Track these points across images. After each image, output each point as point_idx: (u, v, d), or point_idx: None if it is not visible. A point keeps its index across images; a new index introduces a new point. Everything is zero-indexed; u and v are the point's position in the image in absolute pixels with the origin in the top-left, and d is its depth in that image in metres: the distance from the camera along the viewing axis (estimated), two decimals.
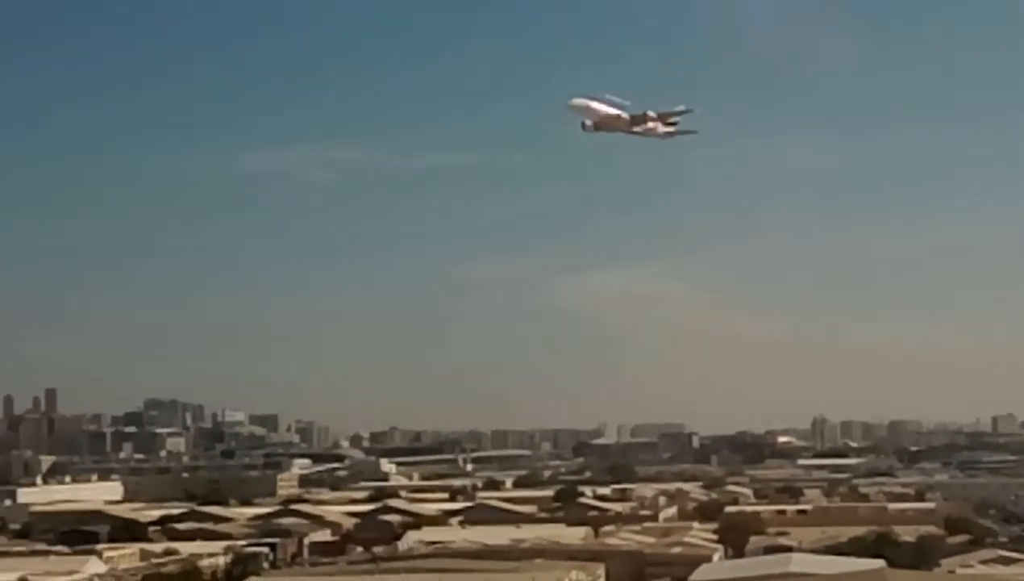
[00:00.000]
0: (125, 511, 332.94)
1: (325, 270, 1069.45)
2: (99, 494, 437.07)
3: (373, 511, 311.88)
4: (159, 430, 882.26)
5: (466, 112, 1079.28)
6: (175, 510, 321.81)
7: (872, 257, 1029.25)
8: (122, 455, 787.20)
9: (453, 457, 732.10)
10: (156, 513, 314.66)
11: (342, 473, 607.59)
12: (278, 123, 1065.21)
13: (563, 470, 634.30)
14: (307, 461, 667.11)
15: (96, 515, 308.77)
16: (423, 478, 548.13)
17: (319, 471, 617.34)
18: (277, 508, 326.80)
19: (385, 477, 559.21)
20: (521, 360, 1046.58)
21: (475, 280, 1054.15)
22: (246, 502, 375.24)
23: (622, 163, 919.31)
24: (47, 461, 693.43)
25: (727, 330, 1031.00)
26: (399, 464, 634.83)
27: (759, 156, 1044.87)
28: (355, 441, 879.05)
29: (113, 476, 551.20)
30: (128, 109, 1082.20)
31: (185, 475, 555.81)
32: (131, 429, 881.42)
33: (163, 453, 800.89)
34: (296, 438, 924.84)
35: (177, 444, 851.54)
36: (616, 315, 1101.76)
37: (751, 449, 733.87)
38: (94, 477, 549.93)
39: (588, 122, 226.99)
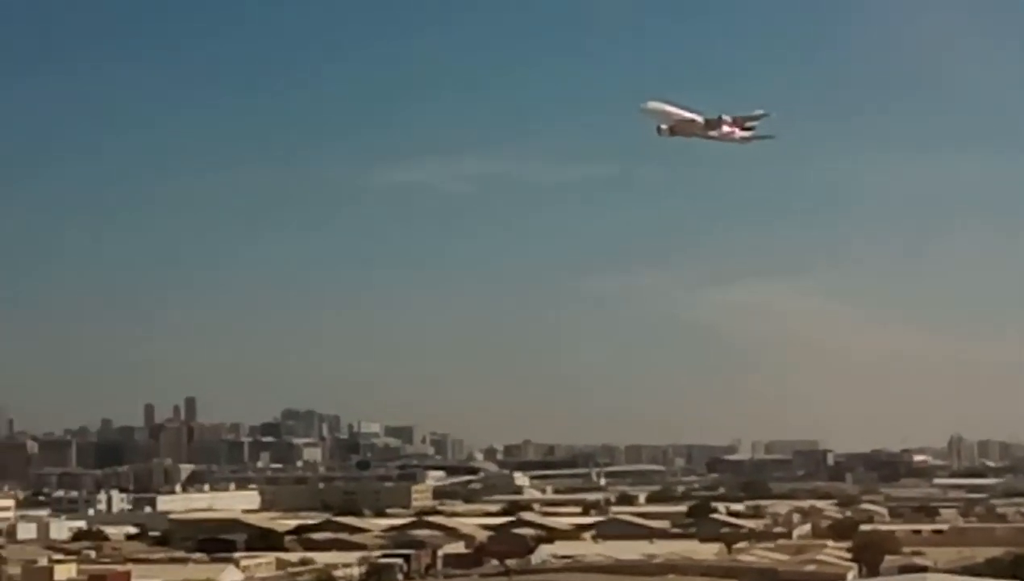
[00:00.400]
0: (262, 520, 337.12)
1: (459, 281, 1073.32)
2: (237, 503, 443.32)
3: (506, 524, 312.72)
4: (296, 440, 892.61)
5: (603, 122, 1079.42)
6: (311, 520, 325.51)
7: (1009, 273, 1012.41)
8: (259, 464, 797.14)
9: (587, 471, 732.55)
10: (292, 523, 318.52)
11: (476, 485, 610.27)
12: (413, 134, 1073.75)
13: (696, 485, 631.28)
14: (441, 473, 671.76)
15: (234, 524, 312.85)
16: (556, 492, 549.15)
17: (453, 483, 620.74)
18: (411, 520, 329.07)
19: (519, 490, 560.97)
20: (655, 374, 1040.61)
21: (610, 292, 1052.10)
22: (381, 513, 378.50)
23: (755, 175, 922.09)
24: (186, 469, 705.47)
25: (863, 346, 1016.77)
26: (533, 477, 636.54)
27: (898, 170, 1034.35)
28: (489, 454, 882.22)
29: (251, 485, 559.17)
30: (258, 117, 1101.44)
31: (321, 485, 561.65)
32: (269, 439, 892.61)
33: (300, 463, 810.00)
34: (431, 450, 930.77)
35: (313, 454, 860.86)
36: (751, 329, 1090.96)
37: (887, 467, 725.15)
38: (232, 486, 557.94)
39: (664, 126, 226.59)
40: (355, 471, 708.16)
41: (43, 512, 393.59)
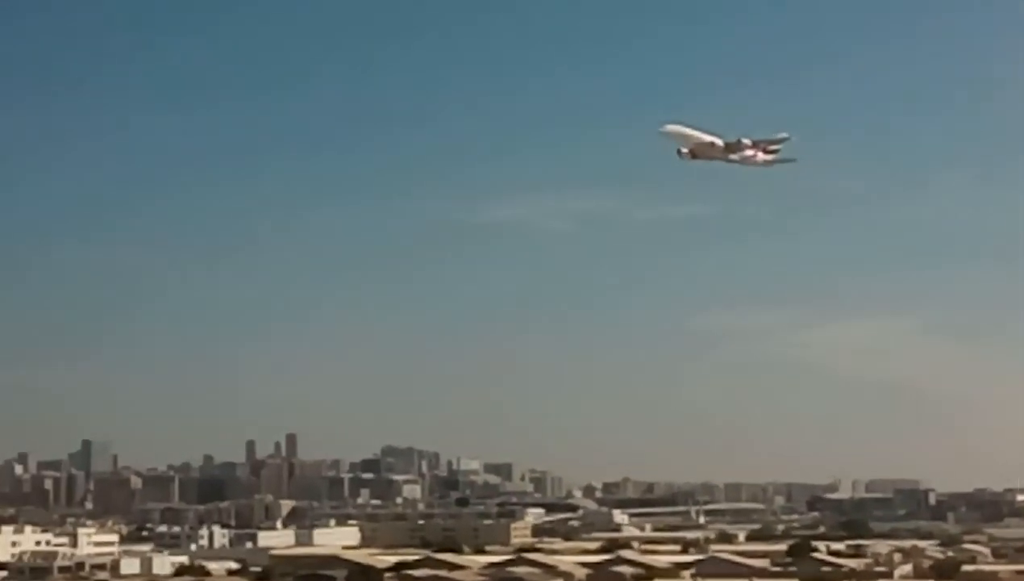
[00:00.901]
0: (362, 556, 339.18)
1: (558, 320, 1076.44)
2: (337, 539, 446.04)
3: (605, 561, 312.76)
4: (395, 477, 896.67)
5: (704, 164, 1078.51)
6: (410, 556, 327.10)
7: None
8: (359, 501, 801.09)
9: (686, 509, 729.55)
10: (392, 559, 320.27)
11: (575, 523, 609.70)
12: (517, 172, 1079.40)
13: (796, 524, 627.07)
14: (540, 510, 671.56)
15: (334, 560, 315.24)
16: (655, 529, 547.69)
17: (552, 520, 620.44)
18: (511, 557, 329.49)
19: (618, 528, 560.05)
20: (754, 412, 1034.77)
21: (711, 331, 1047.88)
22: (480, 550, 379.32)
23: (854, 215, 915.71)
24: (287, 505, 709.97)
25: (966, 384, 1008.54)
26: (632, 515, 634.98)
27: (997, 205, 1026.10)
28: (588, 491, 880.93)
29: (350, 521, 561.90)
30: (363, 157, 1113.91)
31: (420, 522, 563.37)
32: (368, 475, 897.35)
33: (399, 500, 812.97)
34: (530, 487, 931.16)
35: (413, 491, 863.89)
36: (852, 368, 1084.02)
37: (989, 507, 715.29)
38: (332, 522, 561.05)
39: (684, 150, 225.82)
40: (454, 508, 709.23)
41: (146, 547, 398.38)
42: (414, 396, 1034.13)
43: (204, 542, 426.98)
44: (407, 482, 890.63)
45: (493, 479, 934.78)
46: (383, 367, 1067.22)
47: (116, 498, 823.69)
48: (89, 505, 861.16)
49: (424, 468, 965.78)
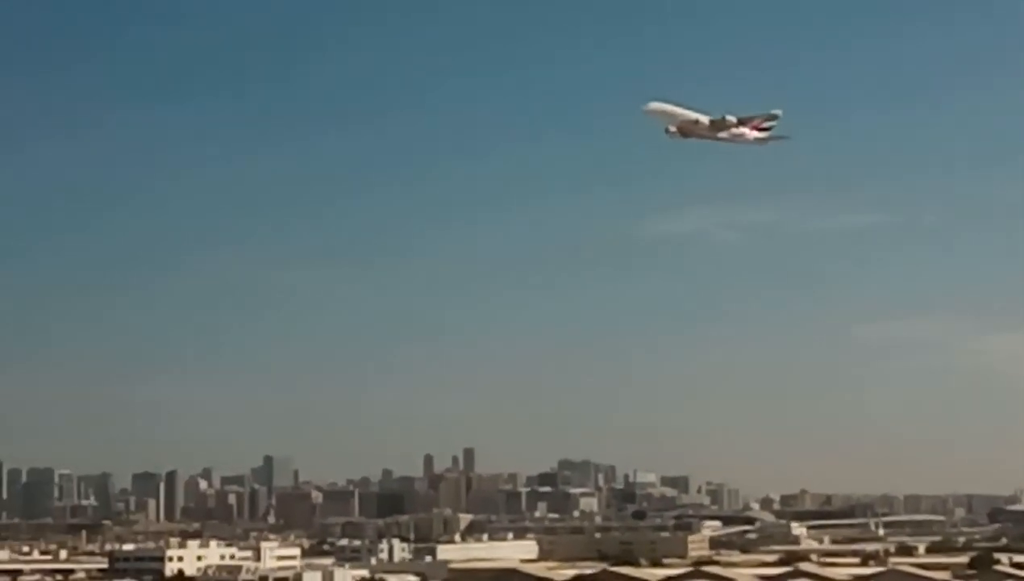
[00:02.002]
0: (540, 570, 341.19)
1: (730, 331, 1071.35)
2: (515, 552, 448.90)
3: (784, 574, 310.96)
4: (572, 490, 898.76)
5: (886, 173, 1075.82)
6: (588, 569, 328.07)
7: None
8: (537, 514, 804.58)
9: (864, 521, 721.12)
10: (570, 572, 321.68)
11: (752, 536, 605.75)
12: (683, 184, 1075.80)
13: (978, 536, 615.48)
14: (717, 523, 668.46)
15: (512, 573, 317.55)
16: (834, 542, 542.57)
17: (729, 533, 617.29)
18: (688, 570, 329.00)
19: (796, 540, 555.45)
20: (933, 422, 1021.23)
21: (886, 341, 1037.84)
22: (657, 563, 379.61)
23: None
24: (465, 519, 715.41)
25: None
26: (810, 527, 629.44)
27: None
28: (765, 503, 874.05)
29: (528, 535, 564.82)
30: (526, 169, 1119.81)
31: (597, 535, 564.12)
32: (545, 489, 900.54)
33: (576, 513, 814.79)
34: (706, 499, 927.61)
35: (590, 504, 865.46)
36: None
37: None
38: (510, 535, 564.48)
39: (671, 128, 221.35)
40: (631, 521, 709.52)
41: (328, 561, 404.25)
42: (590, 409, 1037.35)
43: (384, 556, 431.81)
44: (584, 495, 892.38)
45: (670, 492, 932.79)
46: (557, 380, 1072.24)
47: (298, 512, 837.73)
48: (271, 519, 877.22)
49: (601, 481, 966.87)
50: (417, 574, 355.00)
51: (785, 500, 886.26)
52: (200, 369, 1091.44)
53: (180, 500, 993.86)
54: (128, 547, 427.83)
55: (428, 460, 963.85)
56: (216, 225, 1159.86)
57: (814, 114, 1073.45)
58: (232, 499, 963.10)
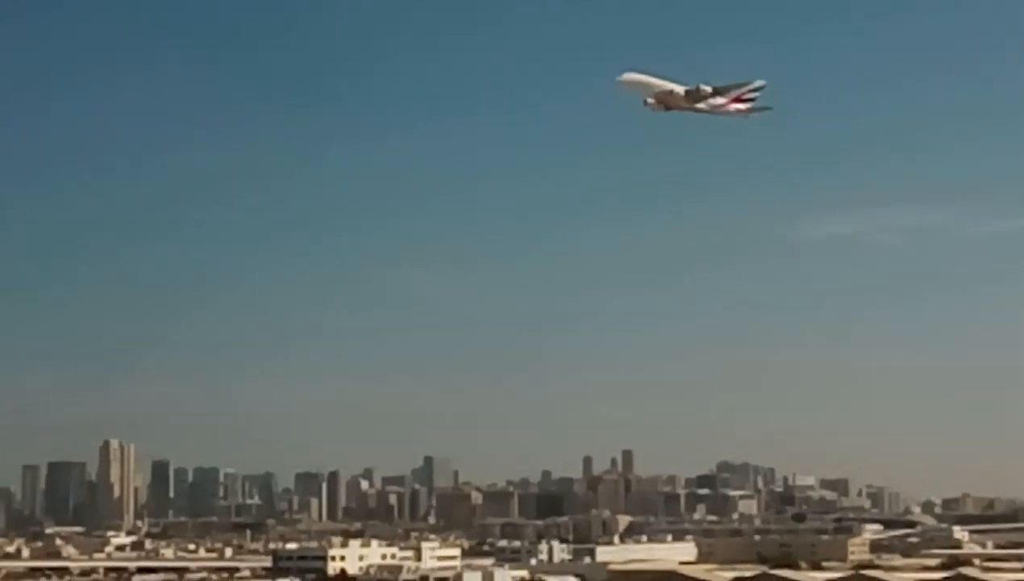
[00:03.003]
0: (699, 572, 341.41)
1: (884, 333, 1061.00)
2: (674, 554, 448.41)
3: (946, 579, 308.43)
4: (731, 492, 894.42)
5: None
6: (747, 572, 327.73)
7: None
8: (695, 516, 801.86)
9: None
10: (728, 575, 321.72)
11: (914, 539, 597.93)
12: (842, 187, 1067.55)
13: None
14: (878, 526, 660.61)
15: (671, 575, 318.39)
16: (997, 547, 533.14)
17: (891, 537, 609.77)
18: (849, 573, 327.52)
19: (958, 544, 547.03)
20: None
21: None
22: (817, 566, 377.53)
23: None
24: (624, 520, 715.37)
25: None
26: (972, 532, 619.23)
27: None
28: (927, 507, 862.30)
29: (687, 537, 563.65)
30: (674, 169, 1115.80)
31: (756, 538, 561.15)
32: (704, 491, 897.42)
33: (735, 515, 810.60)
34: (867, 503, 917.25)
35: (749, 507, 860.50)
36: None
37: None
38: (668, 537, 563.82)
39: (650, 100, 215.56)
40: (791, 523, 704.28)
41: (487, 561, 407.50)
42: (749, 411, 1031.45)
43: (543, 556, 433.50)
44: (743, 497, 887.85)
45: (829, 495, 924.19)
46: (716, 382, 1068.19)
47: (458, 513, 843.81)
48: (432, 520, 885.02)
49: (760, 483, 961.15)
50: (576, 575, 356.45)
51: (947, 504, 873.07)
52: (361, 370, 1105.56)
53: (342, 500, 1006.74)
54: (291, 546, 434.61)
55: (587, 462, 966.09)
56: (353, 223, 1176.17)
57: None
58: (393, 499, 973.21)
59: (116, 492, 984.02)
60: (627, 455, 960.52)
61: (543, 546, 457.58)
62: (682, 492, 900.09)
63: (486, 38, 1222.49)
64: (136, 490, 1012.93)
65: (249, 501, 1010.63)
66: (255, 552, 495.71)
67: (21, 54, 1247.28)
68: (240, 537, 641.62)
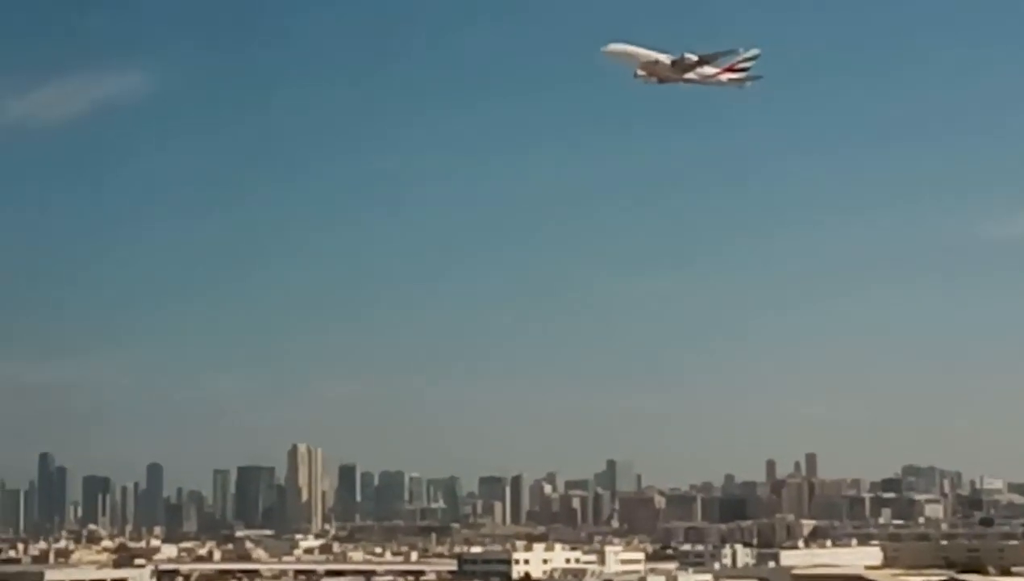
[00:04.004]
0: (885, 576, 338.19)
1: None
2: (859, 559, 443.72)
3: None
4: (917, 496, 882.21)
5: None
6: (934, 577, 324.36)
7: None
8: (881, 520, 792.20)
9: None
10: (915, 580, 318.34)
11: None
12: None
13: None
14: None
15: (856, 580, 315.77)
16: None
17: None
18: None
19: None
20: None
21: None
22: (1006, 571, 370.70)
23: None
24: (808, 525, 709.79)
25: None
26: None
27: None
28: None
29: (872, 541, 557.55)
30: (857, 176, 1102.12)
31: (943, 542, 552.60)
32: (889, 495, 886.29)
33: (921, 520, 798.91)
34: None
35: (935, 511, 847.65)
36: None
37: None
38: (853, 542, 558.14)
39: (640, 72, 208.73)
40: (978, 528, 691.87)
41: (671, 565, 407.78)
42: (935, 414, 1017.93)
43: (727, 561, 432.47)
44: (929, 501, 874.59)
45: (1018, 498, 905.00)
46: (900, 386, 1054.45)
47: (641, 517, 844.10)
48: (615, 523, 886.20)
49: (946, 487, 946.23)
50: (760, 580, 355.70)
51: None
52: (544, 374, 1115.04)
53: (525, 504, 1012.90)
54: (476, 549, 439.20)
55: (770, 465, 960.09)
56: (536, 227, 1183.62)
57: None
58: (576, 503, 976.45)
59: (304, 496, 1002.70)
60: (811, 458, 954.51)
61: (726, 550, 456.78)
62: (867, 496, 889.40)
63: None
64: (323, 494, 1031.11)
65: (434, 505, 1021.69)
66: (440, 555, 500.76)
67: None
68: (425, 540, 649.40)
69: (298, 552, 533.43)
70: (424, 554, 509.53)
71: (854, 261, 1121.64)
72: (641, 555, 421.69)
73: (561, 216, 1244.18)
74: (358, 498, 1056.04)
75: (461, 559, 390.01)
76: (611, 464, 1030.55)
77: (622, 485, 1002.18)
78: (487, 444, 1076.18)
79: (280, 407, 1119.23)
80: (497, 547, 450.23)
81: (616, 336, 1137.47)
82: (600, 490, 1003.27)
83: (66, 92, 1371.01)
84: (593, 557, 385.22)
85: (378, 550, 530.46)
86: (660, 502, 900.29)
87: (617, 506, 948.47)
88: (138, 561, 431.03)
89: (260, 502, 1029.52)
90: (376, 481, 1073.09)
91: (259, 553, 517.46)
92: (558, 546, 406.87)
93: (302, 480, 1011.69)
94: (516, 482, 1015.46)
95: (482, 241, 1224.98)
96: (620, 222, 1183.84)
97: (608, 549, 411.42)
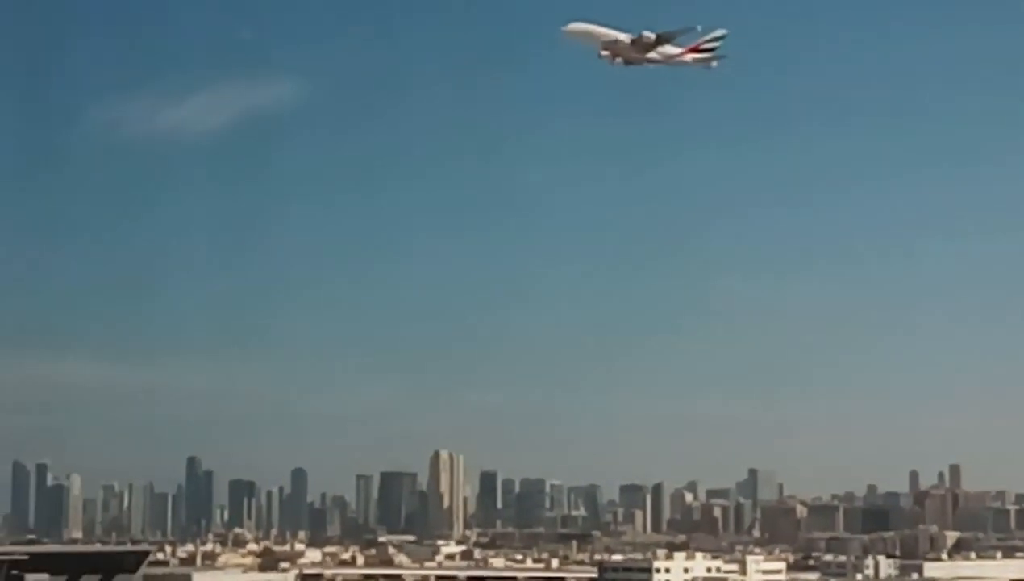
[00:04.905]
0: None
1: None
2: (1004, 572, 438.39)
3: None
4: None
5: None
6: None
7: None
8: None
9: None
10: None
11: None
12: None
13: None
14: None
15: None
16: None
17: None
18: None
19: None
20: None
21: None
22: None
23: None
24: (951, 536, 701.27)
25: None
26: None
27: None
28: None
29: (1017, 554, 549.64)
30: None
31: None
32: None
33: None
34: None
35: None
36: None
37: None
38: (998, 555, 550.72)
39: (604, 52, 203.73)
40: None
41: (812, 576, 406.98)
42: None
43: (869, 572, 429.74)
44: None
45: None
46: None
47: (782, 526, 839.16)
48: (756, 533, 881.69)
49: None
50: None
51: None
52: (684, 382, 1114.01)
53: (666, 512, 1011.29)
54: (616, 557, 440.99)
55: (913, 476, 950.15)
56: (678, 234, 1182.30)
57: None
58: (717, 512, 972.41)
59: (446, 502, 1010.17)
60: (955, 469, 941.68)
61: (869, 561, 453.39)
62: (1012, 508, 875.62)
63: None
64: (465, 500, 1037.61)
65: (575, 512, 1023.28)
66: (580, 563, 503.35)
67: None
68: (566, 548, 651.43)
69: (439, 558, 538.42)
70: (564, 561, 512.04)
71: (1000, 275, 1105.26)
72: (782, 565, 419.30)
73: (703, 224, 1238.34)
74: (499, 505, 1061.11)
75: (602, 567, 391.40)
76: (752, 473, 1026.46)
77: (763, 494, 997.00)
78: (628, 452, 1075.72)
79: (423, 414, 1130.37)
80: (638, 555, 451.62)
81: (758, 343, 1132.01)
82: (741, 499, 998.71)
83: (218, 100, 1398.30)
84: (734, 566, 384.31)
85: (519, 557, 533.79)
86: (802, 512, 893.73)
87: (758, 515, 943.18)
88: (283, 565, 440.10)
89: (402, 508, 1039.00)
90: (517, 488, 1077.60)
91: (401, 558, 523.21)
92: (699, 555, 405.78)
93: (444, 486, 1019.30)
94: (657, 490, 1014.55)
95: (629, 250, 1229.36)
96: (762, 228, 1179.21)
97: (749, 558, 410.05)
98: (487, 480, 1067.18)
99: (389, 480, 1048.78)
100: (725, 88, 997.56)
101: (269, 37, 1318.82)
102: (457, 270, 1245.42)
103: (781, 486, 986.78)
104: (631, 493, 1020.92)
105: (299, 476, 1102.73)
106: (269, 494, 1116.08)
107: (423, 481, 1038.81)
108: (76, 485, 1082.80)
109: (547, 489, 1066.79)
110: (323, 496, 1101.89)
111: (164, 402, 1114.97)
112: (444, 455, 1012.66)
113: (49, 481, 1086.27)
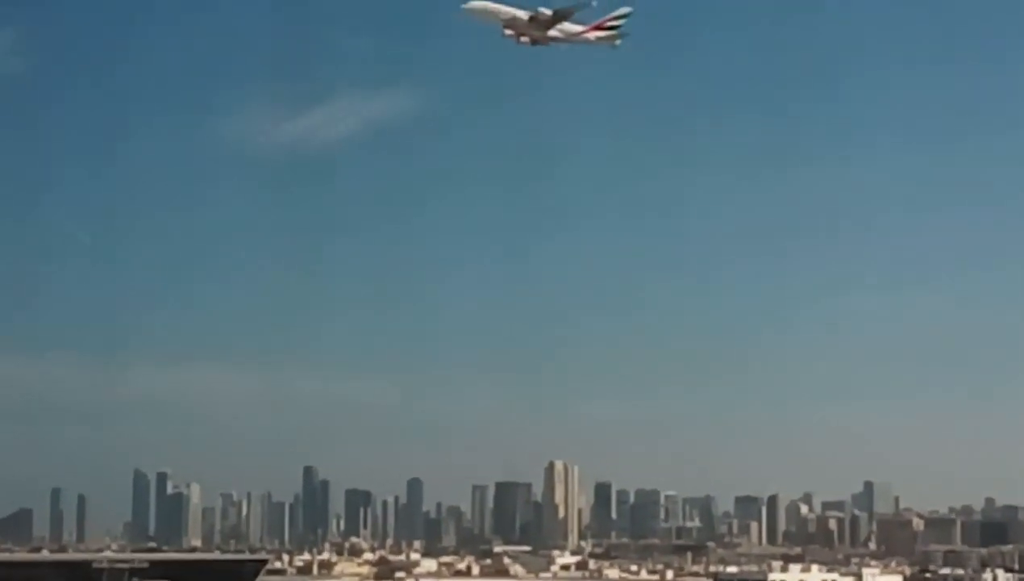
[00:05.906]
0: None
1: None
2: None
3: None
4: None
5: None
6: None
7: None
8: None
9: None
10: None
11: None
12: None
13: None
14: None
15: None
16: None
17: None
18: None
19: None
20: None
21: None
22: None
23: None
24: None
25: None
26: None
27: None
28: None
29: None
30: None
31: None
32: None
33: None
34: None
35: None
36: None
37: None
38: None
39: (507, 31, 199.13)
40: None
41: None
42: None
43: None
44: None
45: None
46: None
47: (898, 539, 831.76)
48: (872, 545, 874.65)
49: None
50: None
51: None
52: (799, 393, 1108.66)
53: (781, 524, 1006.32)
54: (731, 569, 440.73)
55: None
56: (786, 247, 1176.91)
57: None
58: (832, 524, 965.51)
59: (560, 512, 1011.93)
60: None
61: (987, 575, 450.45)
62: None
63: None
64: (580, 511, 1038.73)
65: (689, 524, 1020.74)
66: (695, 574, 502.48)
67: None
68: (681, 559, 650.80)
69: (554, 568, 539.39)
70: (679, 572, 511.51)
71: None
72: (899, 578, 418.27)
73: (815, 237, 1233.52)
74: (613, 516, 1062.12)
75: (717, 578, 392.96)
76: (868, 485, 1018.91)
77: (879, 506, 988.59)
78: (743, 463, 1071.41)
79: (538, 425, 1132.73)
80: (753, 567, 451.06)
81: (874, 354, 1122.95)
82: (857, 511, 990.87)
83: (337, 113, 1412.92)
84: (850, 579, 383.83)
85: (633, 568, 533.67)
86: (918, 524, 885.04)
87: (874, 528, 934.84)
88: (398, 574, 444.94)
89: (517, 518, 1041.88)
90: (632, 499, 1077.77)
91: (516, 569, 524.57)
92: (815, 567, 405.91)
93: (559, 497, 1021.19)
94: (772, 502, 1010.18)
95: (755, 250, 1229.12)
96: (882, 242, 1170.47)
97: (865, 571, 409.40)
98: (602, 491, 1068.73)
99: (504, 490, 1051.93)
100: None
101: (384, 47, 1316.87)
102: (573, 276, 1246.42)
103: (897, 499, 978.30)
104: (746, 504, 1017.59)
105: (415, 486, 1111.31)
106: (385, 503, 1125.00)
107: (538, 491, 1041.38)
108: (195, 494, 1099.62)
109: (661, 500, 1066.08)
110: (439, 506, 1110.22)
111: (281, 410, 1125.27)
112: (559, 465, 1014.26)
113: (169, 489, 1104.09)
